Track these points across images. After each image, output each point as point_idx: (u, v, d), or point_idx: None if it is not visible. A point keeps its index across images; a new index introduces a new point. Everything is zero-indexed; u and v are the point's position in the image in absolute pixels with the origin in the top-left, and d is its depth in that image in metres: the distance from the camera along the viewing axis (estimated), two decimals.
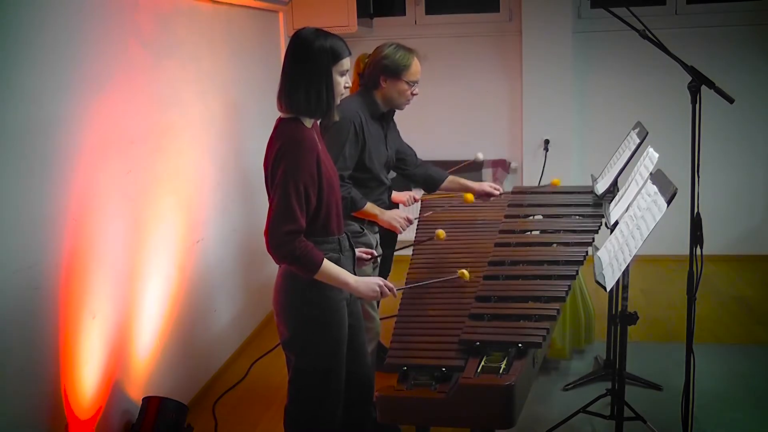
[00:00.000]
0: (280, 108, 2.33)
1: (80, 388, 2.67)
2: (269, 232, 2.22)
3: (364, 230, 3.08)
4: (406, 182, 3.72)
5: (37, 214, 2.43)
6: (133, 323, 3.03)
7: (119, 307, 2.91)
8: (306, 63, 2.28)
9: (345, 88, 2.36)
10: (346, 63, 2.33)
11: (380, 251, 3.18)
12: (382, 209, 3.09)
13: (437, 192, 3.46)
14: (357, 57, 3.29)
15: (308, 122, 2.34)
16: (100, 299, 2.77)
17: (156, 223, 3.21)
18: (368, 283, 2.34)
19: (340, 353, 2.43)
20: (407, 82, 3.06)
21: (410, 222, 3.11)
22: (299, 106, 2.29)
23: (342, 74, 2.32)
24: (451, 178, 3.37)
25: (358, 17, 4.87)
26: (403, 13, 5.69)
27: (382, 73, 3.03)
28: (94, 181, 2.73)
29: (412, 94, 3.12)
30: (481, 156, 3.68)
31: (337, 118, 2.39)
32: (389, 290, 2.36)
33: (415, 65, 3.08)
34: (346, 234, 2.46)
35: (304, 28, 2.34)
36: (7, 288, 2.31)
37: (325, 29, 2.35)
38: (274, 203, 2.24)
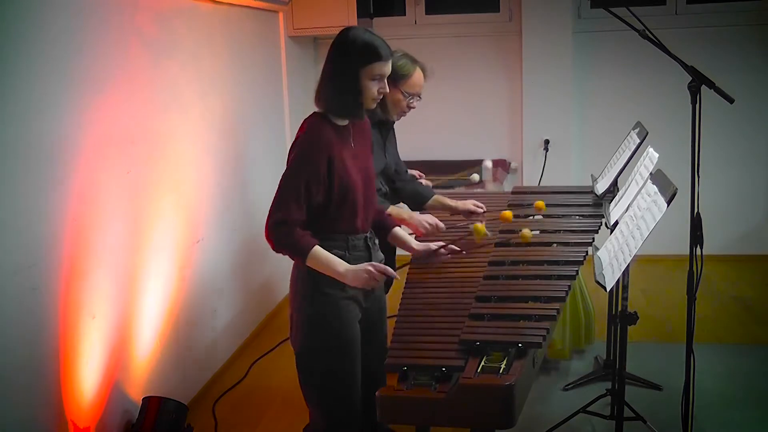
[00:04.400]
0: (314, 102, 2.34)
1: (80, 388, 2.67)
2: (266, 220, 2.25)
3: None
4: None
5: (37, 214, 2.43)
6: (133, 323, 3.03)
7: (119, 307, 2.91)
8: (336, 62, 2.27)
9: (379, 92, 2.30)
10: (379, 67, 2.26)
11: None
12: (410, 212, 2.97)
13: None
14: None
15: (340, 121, 2.33)
16: (100, 299, 2.77)
17: (156, 223, 3.21)
18: (356, 270, 2.26)
19: (343, 355, 2.35)
20: (403, 93, 2.96)
21: (437, 229, 2.91)
22: (325, 103, 2.30)
23: (373, 78, 2.26)
24: (436, 197, 3.22)
25: (358, 17, 4.86)
26: (403, 13, 5.69)
27: None
28: (94, 181, 2.73)
29: (409, 107, 3.01)
30: (476, 177, 3.44)
31: (364, 117, 2.37)
32: (382, 272, 2.25)
33: (417, 77, 2.98)
34: (366, 237, 2.40)
35: (354, 27, 2.32)
36: (7, 288, 2.31)
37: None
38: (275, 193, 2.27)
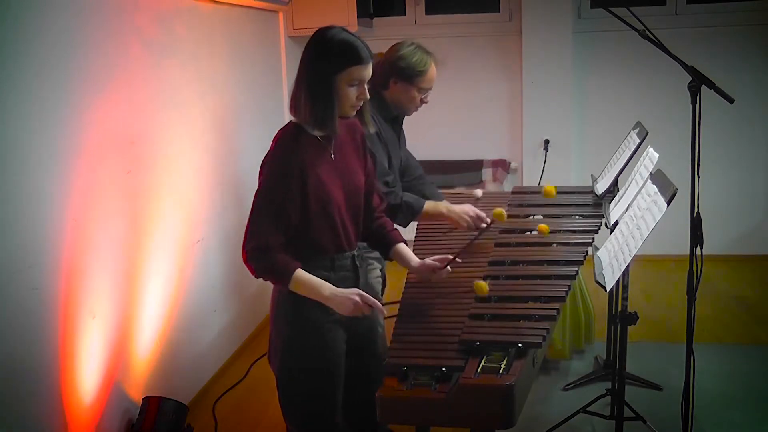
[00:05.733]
0: (289, 110, 2.18)
1: (80, 388, 2.67)
2: (243, 246, 2.12)
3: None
4: None
5: (37, 214, 2.43)
6: (133, 323, 3.03)
7: (119, 307, 2.91)
8: (309, 66, 2.08)
9: (358, 99, 2.12)
10: (358, 72, 2.07)
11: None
12: (448, 204, 2.72)
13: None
14: None
15: (316, 131, 2.14)
16: (100, 299, 2.77)
17: (156, 223, 3.21)
18: (342, 297, 2.09)
19: (323, 380, 2.22)
20: (419, 89, 2.81)
21: (481, 221, 2.69)
22: (298, 112, 2.11)
23: (351, 84, 2.07)
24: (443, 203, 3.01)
25: (358, 17, 4.87)
26: (403, 13, 5.70)
27: (394, 74, 2.77)
28: (94, 181, 2.73)
29: (422, 102, 2.87)
30: (479, 193, 3.30)
31: (338, 132, 2.15)
32: (370, 306, 2.08)
33: (431, 72, 2.82)
34: (353, 256, 2.26)
35: (331, 26, 2.11)
36: (7, 288, 2.31)
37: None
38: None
